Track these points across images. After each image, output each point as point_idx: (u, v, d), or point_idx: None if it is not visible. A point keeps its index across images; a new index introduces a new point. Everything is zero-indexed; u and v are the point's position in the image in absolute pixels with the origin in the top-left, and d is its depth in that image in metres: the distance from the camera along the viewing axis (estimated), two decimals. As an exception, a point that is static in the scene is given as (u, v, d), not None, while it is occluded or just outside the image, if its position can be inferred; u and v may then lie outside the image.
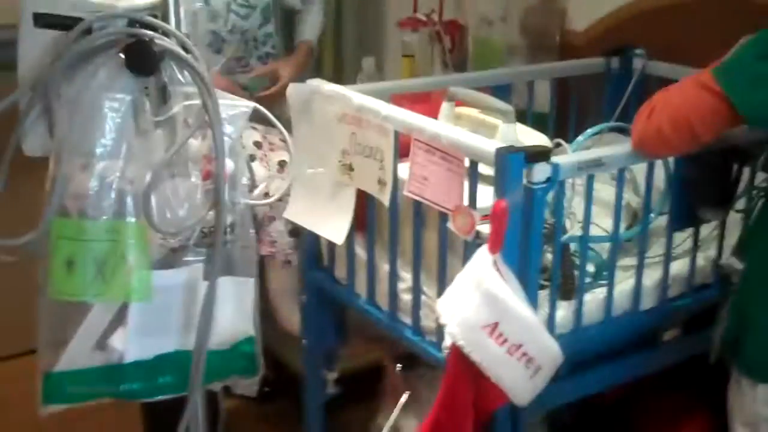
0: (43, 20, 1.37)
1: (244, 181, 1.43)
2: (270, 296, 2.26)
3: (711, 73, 1.52)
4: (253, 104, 1.45)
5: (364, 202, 1.84)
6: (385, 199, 1.75)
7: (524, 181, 1.52)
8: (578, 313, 1.70)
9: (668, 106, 1.56)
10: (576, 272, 1.70)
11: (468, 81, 2.16)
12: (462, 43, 2.94)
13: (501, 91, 2.26)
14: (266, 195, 1.58)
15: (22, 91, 1.37)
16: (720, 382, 1.71)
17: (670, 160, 1.77)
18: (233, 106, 1.39)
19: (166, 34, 1.35)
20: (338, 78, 3.32)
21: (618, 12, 2.60)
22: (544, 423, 2.28)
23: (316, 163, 1.87)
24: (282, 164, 2.17)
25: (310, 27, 2.70)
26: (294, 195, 1.90)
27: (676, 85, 1.61)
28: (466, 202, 1.59)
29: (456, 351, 1.54)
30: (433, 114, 1.89)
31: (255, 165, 2.08)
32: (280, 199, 1.85)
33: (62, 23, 1.35)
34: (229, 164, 1.38)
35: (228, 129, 1.37)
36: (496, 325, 1.51)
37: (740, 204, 1.84)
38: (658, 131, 1.56)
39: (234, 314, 1.45)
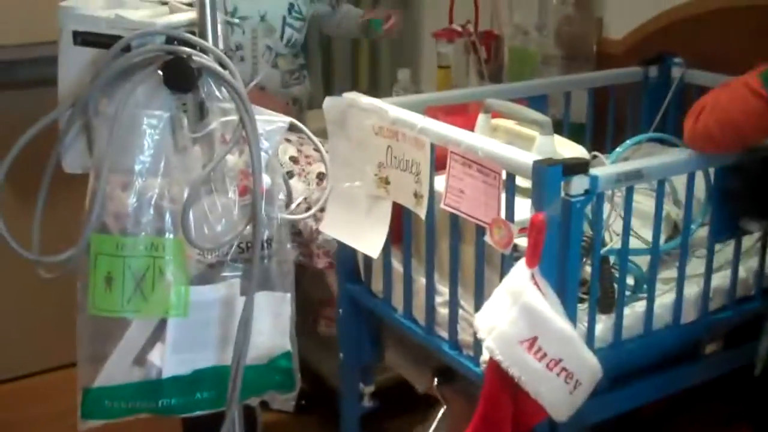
0: (82, 38, 1.39)
1: (281, 196, 1.43)
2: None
3: (759, 77, 1.52)
4: (289, 119, 1.45)
5: (400, 215, 1.84)
6: (422, 212, 1.74)
7: (562, 193, 1.51)
8: (618, 326, 1.68)
9: (716, 108, 1.59)
10: (615, 285, 1.67)
11: (504, 92, 2.15)
12: (498, 53, 2.93)
13: (537, 101, 2.24)
14: (308, 208, 1.58)
15: (62, 108, 1.39)
16: (763, 395, 1.68)
17: (711, 170, 1.74)
18: (270, 122, 1.39)
19: (203, 50, 1.35)
20: (374, 89, 3.33)
21: (656, 20, 2.57)
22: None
23: (353, 177, 1.87)
24: (321, 176, 2.17)
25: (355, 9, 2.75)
26: (330, 208, 1.90)
27: (725, 85, 1.62)
28: (503, 214, 1.58)
29: (494, 366, 1.52)
30: (470, 126, 1.88)
31: (294, 181, 2.09)
32: (322, 210, 1.85)
33: (101, 41, 1.37)
34: (265, 179, 1.38)
35: (265, 144, 1.38)
36: (534, 339, 1.49)
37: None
38: (706, 130, 1.59)
39: (271, 329, 1.45)
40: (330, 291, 2.27)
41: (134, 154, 1.34)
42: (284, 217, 1.43)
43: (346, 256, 2.02)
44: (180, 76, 1.34)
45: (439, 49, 2.89)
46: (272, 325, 1.45)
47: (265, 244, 1.41)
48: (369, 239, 1.84)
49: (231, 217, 1.36)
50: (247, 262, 1.38)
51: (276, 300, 1.44)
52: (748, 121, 1.55)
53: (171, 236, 1.38)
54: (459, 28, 2.83)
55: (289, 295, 1.46)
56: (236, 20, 2.29)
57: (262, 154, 1.36)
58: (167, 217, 1.38)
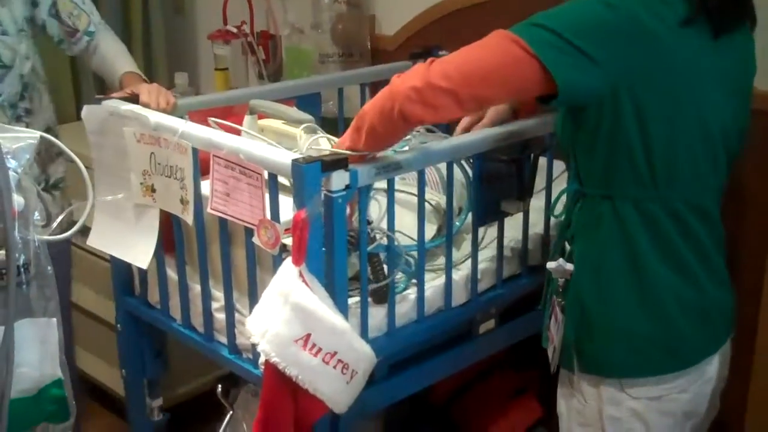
0: None
1: (36, 216, 1.35)
2: None
3: (519, 36, 1.39)
4: (39, 134, 1.38)
5: (170, 223, 1.81)
6: (189, 218, 1.72)
7: (323, 190, 1.53)
8: (391, 315, 1.72)
9: (463, 61, 1.42)
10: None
11: (275, 92, 2.16)
12: (276, 53, 2.94)
13: (311, 99, 2.27)
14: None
15: None
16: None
17: (471, 158, 1.81)
18: (17, 138, 1.32)
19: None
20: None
21: (424, 15, 2.66)
22: (380, 420, 2.31)
23: (118, 187, 1.81)
24: None
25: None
26: (97, 221, 1.84)
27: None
28: (268, 215, 1.58)
29: (271, 367, 1.52)
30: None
31: None
32: (85, 228, 1.77)
33: None
34: (17, 200, 1.30)
35: (13, 163, 1.30)
36: (308, 336, 1.50)
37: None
38: (447, 82, 1.41)
39: (38, 358, 1.37)
40: None
41: None
42: (41, 238, 1.36)
43: (120, 268, 1.96)
44: None
45: (215, 51, 2.86)
46: (39, 354, 1.37)
47: (22, 269, 1.33)
48: (138, 250, 1.79)
49: (-20, 245, 1.28)
50: (3, 290, 1.30)
51: (40, 327, 1.37)
52: (508, 71, 1.41)
53: None
54: (234, 30, 2.82)
55: (54, 320, 1.38)
56: None
57: (11, 173, 1.28)
58: None
